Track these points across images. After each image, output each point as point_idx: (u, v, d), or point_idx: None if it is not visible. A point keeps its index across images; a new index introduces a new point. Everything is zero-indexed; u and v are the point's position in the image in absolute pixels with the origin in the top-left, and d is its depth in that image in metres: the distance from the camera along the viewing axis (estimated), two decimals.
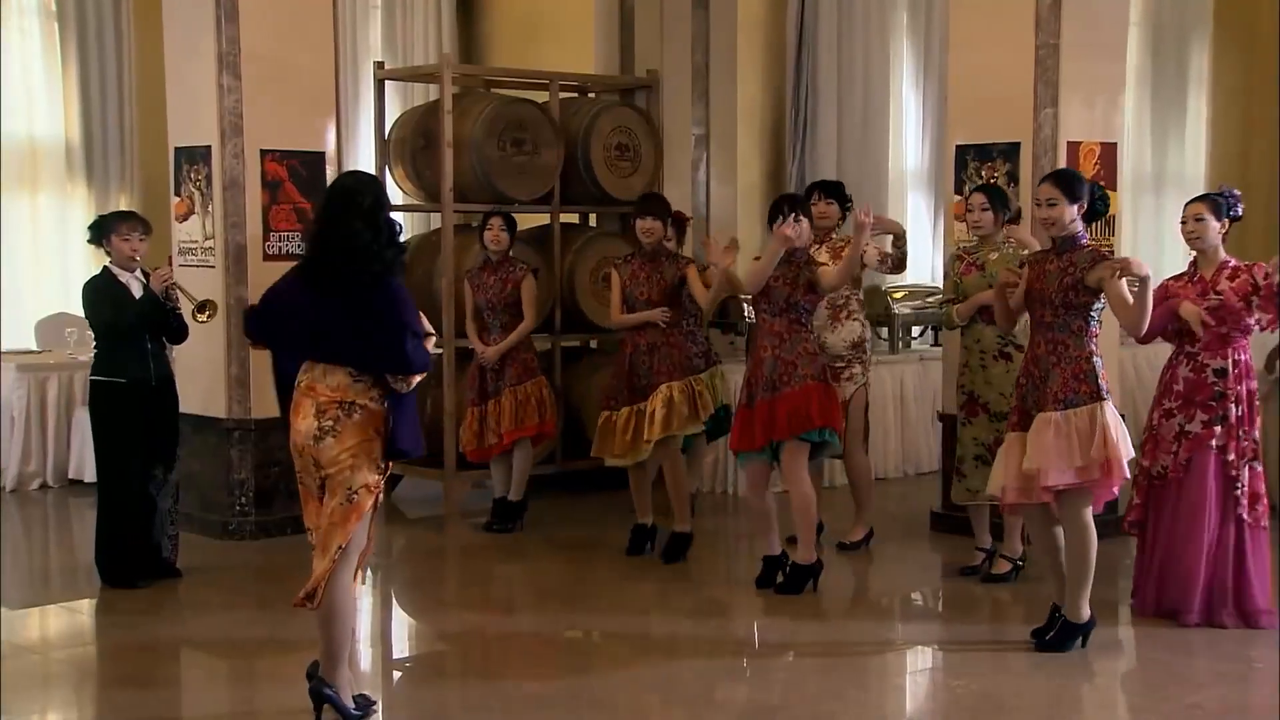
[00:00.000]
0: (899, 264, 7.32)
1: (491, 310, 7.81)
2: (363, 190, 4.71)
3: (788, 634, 6.18)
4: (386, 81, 9.22)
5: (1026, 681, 5.53)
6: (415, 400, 4.81)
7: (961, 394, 6.78)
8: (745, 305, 9.27)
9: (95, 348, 6.82)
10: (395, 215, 4.87)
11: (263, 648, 6.02)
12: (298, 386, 4.77)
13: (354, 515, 4.71)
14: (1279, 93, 12.02)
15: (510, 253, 7.90)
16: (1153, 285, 5.51)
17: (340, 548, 4.72)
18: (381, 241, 4.65)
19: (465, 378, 8.13)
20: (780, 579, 6.59)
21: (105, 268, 6.77)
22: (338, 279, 4.65)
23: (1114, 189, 7.55)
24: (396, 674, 5.96)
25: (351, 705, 4.90)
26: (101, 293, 6.67)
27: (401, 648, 6.43)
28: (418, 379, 4.70)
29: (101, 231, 6.75)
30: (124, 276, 6.72)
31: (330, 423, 4.67)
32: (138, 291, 6.71)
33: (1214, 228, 5.98)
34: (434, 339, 4.88)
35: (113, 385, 6.66)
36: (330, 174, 7.84)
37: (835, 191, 7.39)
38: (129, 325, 6.65)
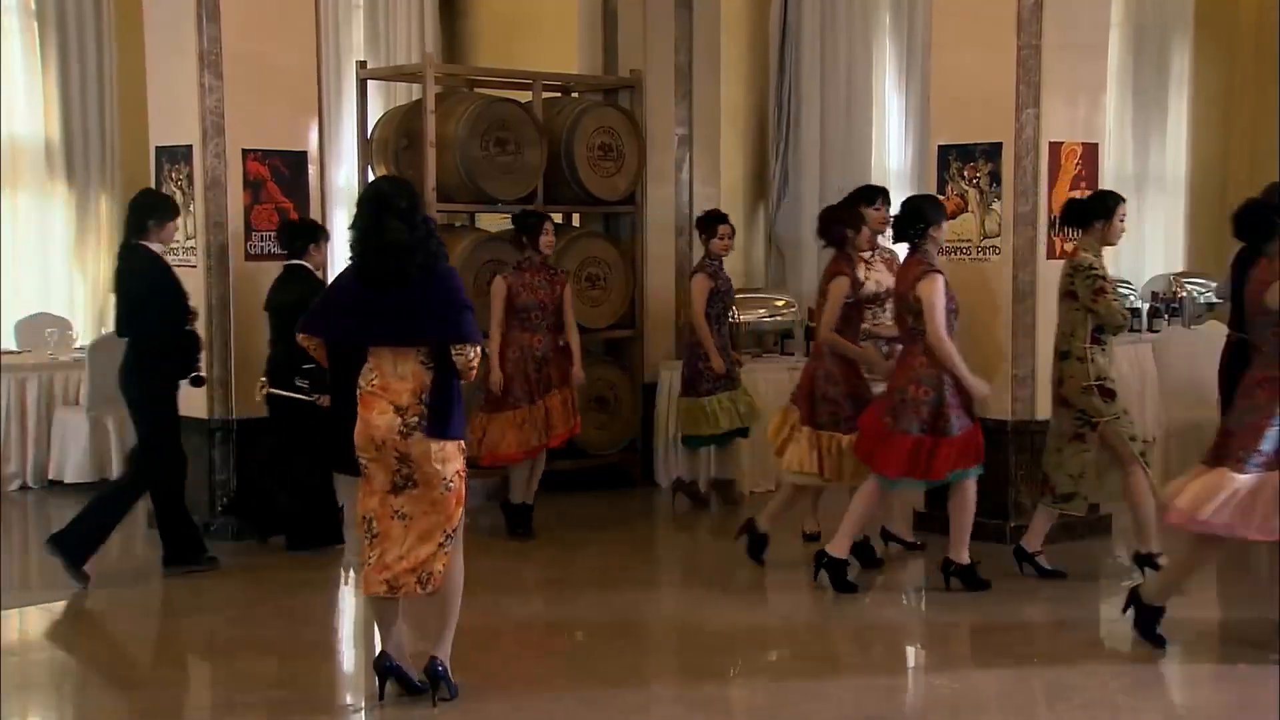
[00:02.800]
0: None
1: (542, 311, 7.73)
2: (397, 193, 4.98)
3: (772, 633, 6.18)
4: (369, 81, 9.20)
5: (1010, 679, 5.54)
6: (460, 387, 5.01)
7: (1073, 413, 6.55)
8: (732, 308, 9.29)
9: (282, 348, 7.01)
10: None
11: (244, 648, 6.00)
12: (367, 387, 4.94)
13: (454, 501, 4.97)
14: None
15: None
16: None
17: (447, 534, 4.97)
18: (419, 236, 4.88)
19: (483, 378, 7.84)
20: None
21: (304, 267, 7.24)
22: (389, 276, 4.87)
23: (1095, 189, 7.57)
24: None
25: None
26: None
27: None
28: (474, 354, 4.90)
29: (311, 238, 7.31)
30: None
31: (416, 418, 4.88)
32: None
33: None
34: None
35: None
36: (313, 174, 7.84)
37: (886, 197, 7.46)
38: None
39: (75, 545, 6.75)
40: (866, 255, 7.22)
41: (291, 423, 7.15)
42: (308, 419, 6.99)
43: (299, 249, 7.29)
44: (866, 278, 7.15)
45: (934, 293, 6.33)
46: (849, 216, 7.00)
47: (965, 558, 6.59)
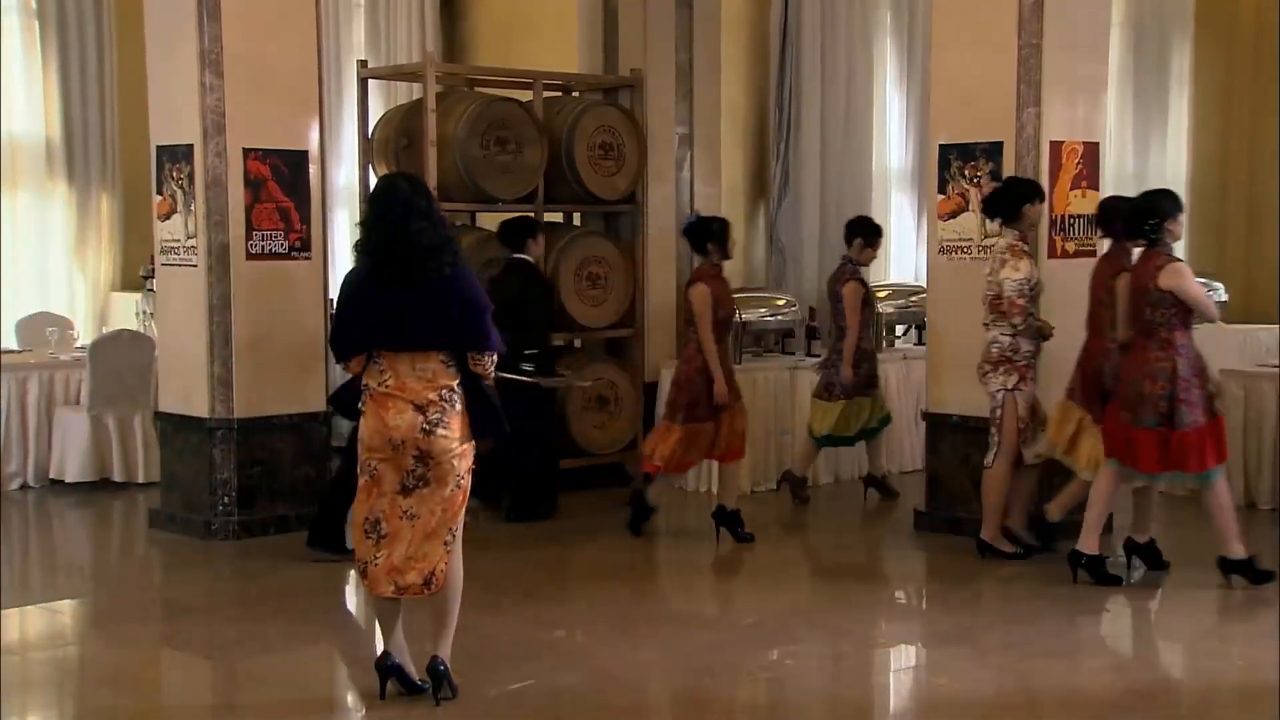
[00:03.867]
0: None
1: (731, 323, 7.69)
2: (416, 192, 4.96)
3: (771, 633, 6.18)
4: (370, 80, 9.21)
5: (1009, 679, 5.54)
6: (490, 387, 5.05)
7: None
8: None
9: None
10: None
11: (244, 647, 6.00)
12: (379, 388, 4.90)
13: (461, 499, 5.00)
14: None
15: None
16: None
17: (451, 531, 4.98)
18: (444, 234, 4.90)
19: (678, 386, 7.61)
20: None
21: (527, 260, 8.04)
22: (413, 276, 4.84)
23: (1096, 189, 7.58)
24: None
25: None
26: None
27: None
28: (491, 362, 4.94)
29: (527, 234, 8.07)
30: None
31: (437, 415, 4.89)
32: None
33: None
34: None
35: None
36: (313, 173, 7.83)
37: None
38: None
39: (325, 536, 7.12)
40: (1024, 246, 6.98)
41: (519, 406, 7.06)
42: (533, 402, 7.50)
43: (518, 244, 8.01)
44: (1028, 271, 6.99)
45: (1185, 278, 6.45)
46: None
47: (1239, 551, 6.57)
